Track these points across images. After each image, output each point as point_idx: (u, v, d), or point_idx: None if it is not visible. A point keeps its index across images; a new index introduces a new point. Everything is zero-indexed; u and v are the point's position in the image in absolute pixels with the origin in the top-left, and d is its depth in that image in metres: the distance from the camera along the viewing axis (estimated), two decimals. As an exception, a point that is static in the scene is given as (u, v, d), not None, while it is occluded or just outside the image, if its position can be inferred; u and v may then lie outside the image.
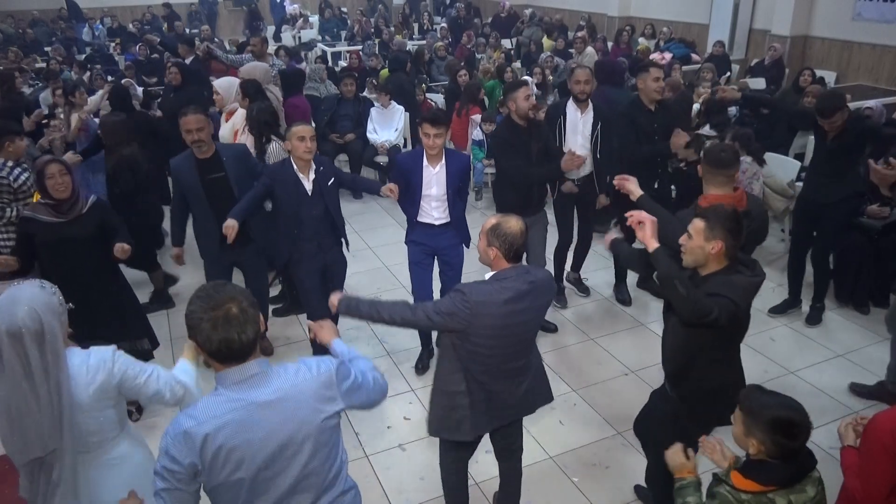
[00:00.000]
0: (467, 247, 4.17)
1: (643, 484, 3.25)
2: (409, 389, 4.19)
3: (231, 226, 3.68)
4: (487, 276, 2.56)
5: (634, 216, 2.58)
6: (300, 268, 4.00)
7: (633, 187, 3.05)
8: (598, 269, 5.48)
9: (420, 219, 4.06)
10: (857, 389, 4.03)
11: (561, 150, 4.47)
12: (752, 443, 1.97)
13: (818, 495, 1.96)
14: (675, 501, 2.11)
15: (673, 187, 5.02)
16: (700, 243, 2.43)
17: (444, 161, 3.92)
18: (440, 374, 2.69)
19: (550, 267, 4.96)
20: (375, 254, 6.00)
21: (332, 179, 3.94)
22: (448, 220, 4.04)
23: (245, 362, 1.75)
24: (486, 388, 2.62)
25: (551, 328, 4.73)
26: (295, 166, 3.81)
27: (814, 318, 4.76)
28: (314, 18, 15.38)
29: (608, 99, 5.56)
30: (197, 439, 1.68)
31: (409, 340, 4.68)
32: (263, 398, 1.74)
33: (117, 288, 3.85)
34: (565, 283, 5.20)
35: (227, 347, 1.70)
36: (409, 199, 4.03)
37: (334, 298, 2.63)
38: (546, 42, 11.19)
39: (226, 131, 5.26)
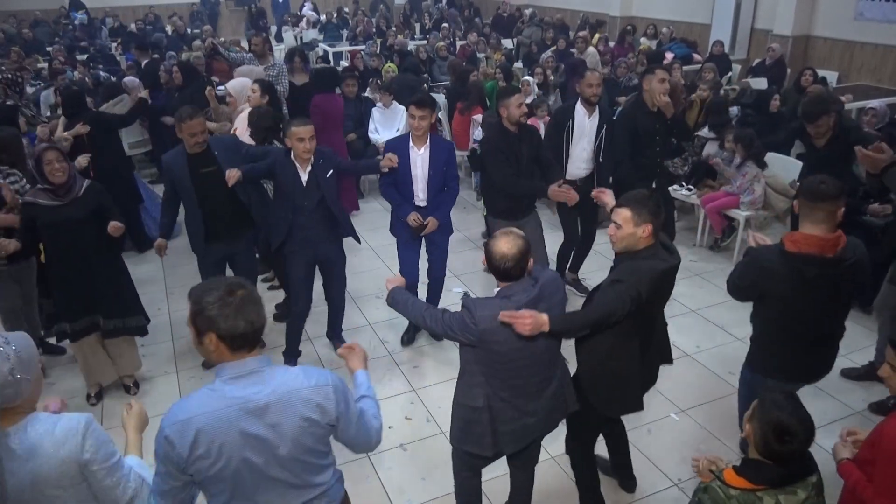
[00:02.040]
0: (445, 222, 4.38)
1: (604, 455, 3.43)
2: (411, 389, 4.19)
3: (233, 174, 3.86)
4: (495, 290, 2.54)
5: (597, 195, 3.15)
6: (291, 257, 4.12)
7: (608, 199, 3.12)
8: (598, 269, 5.48)
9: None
10: (848, 373, 4.16)
11: (561, 156, 4.49)
12: (747, 427, 2.06)
13: (810, 500, 1.97)
14: (691, 498, 2.17)
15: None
16: (630, 230, 2.59)
17: (428, 144, 4.20)
18: (460, 386, 2.64)
19: (553, 266, 4.96)
20: (376, 254, 6.00)
21: (331, 172, 4.02)
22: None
23: (248, 355, 1.79)
24: (509, 403, 2.55)
25: None
26: (293, 156, 3.94)
27: None
28: (318, 16, 15.42)
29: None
30: (189, 431, 1.71)
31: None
32: (256, 401, 1.76)
33: (115, 267, 4.02)
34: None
35: (251, 330, 1.76)
36: (397, 183, 4.28)
37: (392, 284, 2.76)
38: (595, 41, 10.96)
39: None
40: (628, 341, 2.70)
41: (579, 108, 4.68)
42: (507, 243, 2.41)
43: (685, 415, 3.93)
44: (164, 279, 5.65)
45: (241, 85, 5.64)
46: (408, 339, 4.69)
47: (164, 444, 1.73)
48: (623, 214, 2.59)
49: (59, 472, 1.76)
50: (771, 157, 5.80)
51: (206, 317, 1.73)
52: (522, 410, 2.57)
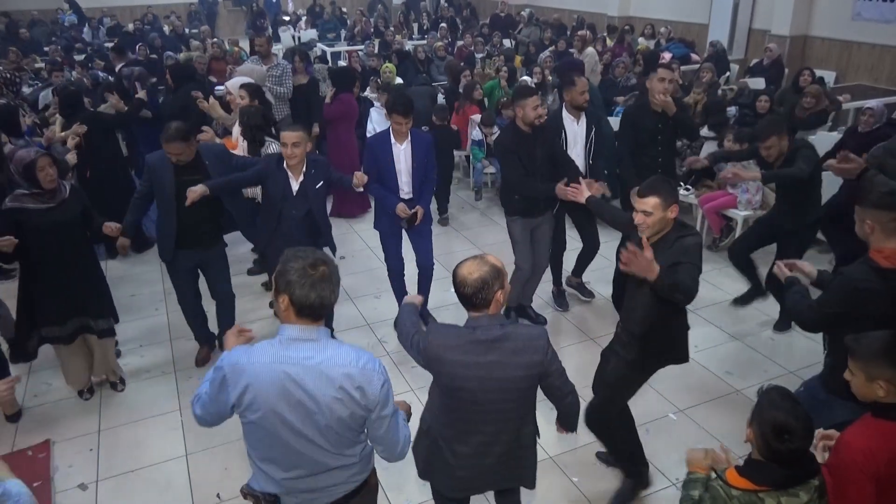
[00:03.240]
0: (426, 210, 4.53)
1: (603, 450, 3.52)
2: (409, 389, 4.19)
3: (197, 191, 3.76)
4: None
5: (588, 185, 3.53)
6: (274, 261, 4.09)
7: (580, 196, 3.46)
8: (598, 269, 5.48)
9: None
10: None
11: (568, 157, 4.49)
12: (748, 432, 2.03)
13: (812, 503, 1.96)
14: (682, 492, 2.16)
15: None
16: (661, 215, 2.72)
17: (409, 139, 4.35)
18: (424, 406, 2.58)
19: (548, 271, 4.97)
20: (375, 253, 5.99)
21: (321, 183, 4.05)
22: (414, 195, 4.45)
23: (312, 324, 1.96)
24: (445, 444, 2.41)
25: (541, 321, 4.79)
26: (286, 164, 3.96)
27: (782, 326, 4.74)
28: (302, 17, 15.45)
29: None
30: (241, 379, 1.93)
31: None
32: (304, 365, 1.92)
33: (92, 269, 4.00)
34: (566, 287, 5.20)
35: (319, 304, 1.91)
36: (380, 178, 4.39)
37: (413, 300, 2.73)
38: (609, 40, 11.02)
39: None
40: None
41: (566, 115, 4.67)
42: (469, 267, 2.23)
43: (683, 414, 3.93)
44: (162, 280, 5.64)
45: (241, 83, 5.62)
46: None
47: (220, 379, 1.96)
48: (651, 202, 2.71)
49: None
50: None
51: (285, 280, 1.91)
52: (453, 457, 2.40)
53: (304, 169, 3.99)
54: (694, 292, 2.63)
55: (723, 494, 1.99)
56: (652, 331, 2.92)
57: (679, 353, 3.05)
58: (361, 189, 4.30)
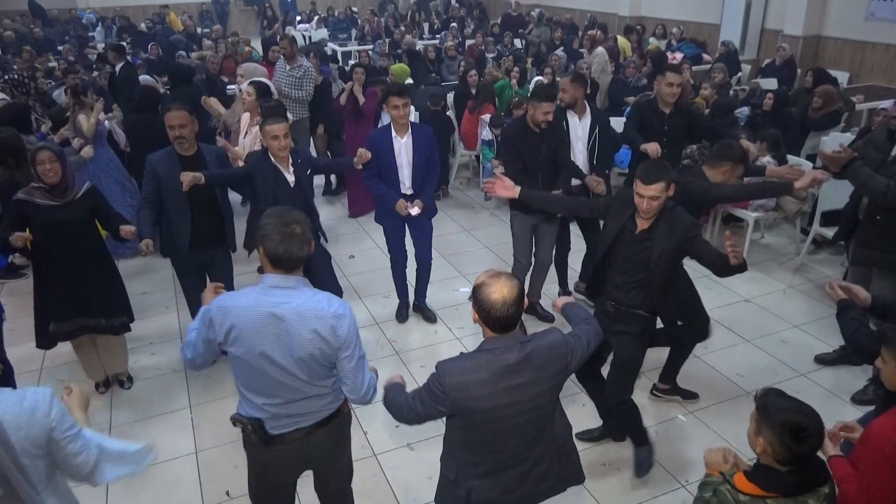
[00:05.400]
0: (428, 204, 4.56)
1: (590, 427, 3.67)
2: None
3: (194, 175, 3.70)
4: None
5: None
6: None
7: (512, 193, 3.46)
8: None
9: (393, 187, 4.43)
10: (822, 358, 4.30)
11: (570, 162, 4.52)
12: (760, 441, 1.98)
13: None
14: (697, 492, 2.14)
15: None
16: (665, 196, 2.93)
17: (410, 132, 4.34)
18: (444, 447, 2.41)
19: (553, 270, 4.96)
20: (384, 253, 5.99)
21: (309, 171, 4.09)
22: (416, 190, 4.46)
23: (289, 273, 2.21)
24: (487, 478, 2.24)
25: (548, 318, 4.80)
26: (273, 160, 3.93)
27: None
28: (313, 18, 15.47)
29: None
30: (227, 320, 2.20)
31: (415, 341, 4.71)
32: (281, 308, 2.18)
33: (105, 268, 4.00)
34: (573, 291, 5.19)
35: (287, 258, 2.17)
36: (381, 174, 4.40)
37: (398, 380, 2.46)
38: (622, 41, 10.95)
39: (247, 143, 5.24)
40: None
41: (570, 113, 4.68)
42: (506, 287, 2.06)
43: (693, 416, 3.91)
44: (173, 279, 5.67)
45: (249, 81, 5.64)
46: (401, 317, 4.97)
47: (207, 320, 2.23)
48: (658, 187, 2.87)
49: (31, 441, 1.84)
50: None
51: (261, 233, 2.18)
52: (498, 485, 2.25)
53: (290, 160, 3.97)
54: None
55: (730, 499, 1.97)
56: (671, 294, 3.12)
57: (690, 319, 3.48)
58: (360, 166, 4.21)
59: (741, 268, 2.83)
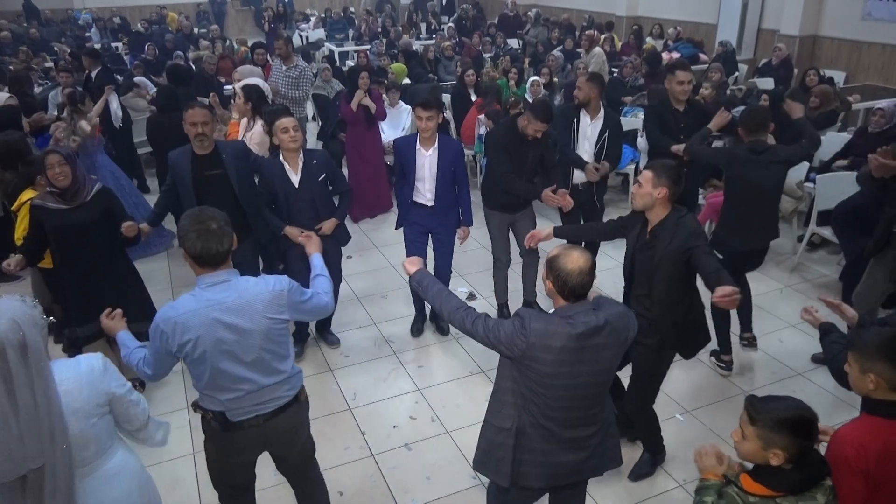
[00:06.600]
0: (470, 224, 4.52)
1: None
2: (416, 389, 4.19)
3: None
4: (551, 311, 2.35)
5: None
6: (288, 252, 4.16)
7: (543, 234, 3.41)
8: (606, 269, 5.47)
9: (414, 198, 4.35)
10: (819, 358, 4.23)
11: (555, 160, 4.52)
12: (775, 453, 1.91)
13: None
14: (694, 497, 2.12)
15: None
16: (648, 190, 2.89)
17: (436, 145, 4.20)
18: (491, 403, 2.45)
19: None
20: (382, 253, 6.00)
21: (323, 175, 4.06)
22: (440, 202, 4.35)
23: (217, 269, 2.28)
24: (544, 434, 2.32)
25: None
26: (282, 158, 3.95)
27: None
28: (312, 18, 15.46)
29: None
30: (178, 327, 2.24)
31: (413, 341, 4.72)
32: (228, 301, 2.27)
33: (123, 272, 3.99)
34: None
35: (206, 254, 2.22)
36: (404, 182, 4.35)
37: (412, 267, 2.62)
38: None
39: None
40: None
41: (583, 110, 4.70)
42: (581, 258, 2.22)
43: (691, 416, 3.92)
44: (171, 279, 5.67)
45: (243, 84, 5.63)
46: (416, 329, 4.76)
47: (160, 335, 2.27)
48: (646, 175, 2.92)
49: (95, 402, 2.04)
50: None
51: (179, 234, 2.27)
52: (554, 444, 2.34)
53: (302, 159, 3.95)
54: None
55: (739, 502, 1.95)
56: (670, 310, 3.05)
57: (700, 329, 3.24)
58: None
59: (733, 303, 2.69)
